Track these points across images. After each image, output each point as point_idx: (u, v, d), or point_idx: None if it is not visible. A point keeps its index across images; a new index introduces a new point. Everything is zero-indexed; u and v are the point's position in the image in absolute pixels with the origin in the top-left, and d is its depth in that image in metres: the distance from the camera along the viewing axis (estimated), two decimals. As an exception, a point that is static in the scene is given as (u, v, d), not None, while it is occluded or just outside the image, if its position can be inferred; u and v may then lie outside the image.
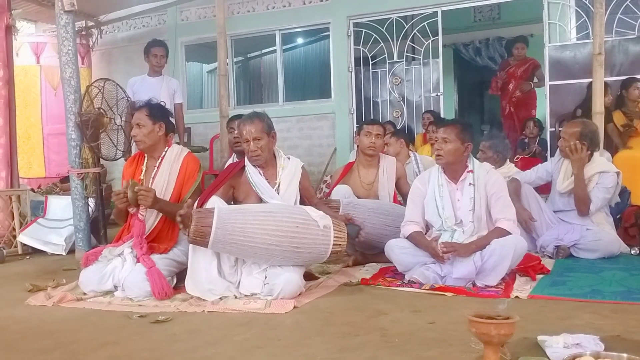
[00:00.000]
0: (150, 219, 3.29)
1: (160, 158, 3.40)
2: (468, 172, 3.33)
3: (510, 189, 3.91)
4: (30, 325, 2.68)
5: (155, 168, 3.39)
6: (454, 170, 3.35)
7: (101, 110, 4.48)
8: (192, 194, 3.34)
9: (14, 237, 4.72)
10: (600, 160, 4.03)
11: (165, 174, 3.37)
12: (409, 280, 3.19)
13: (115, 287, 3.13)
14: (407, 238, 3.34)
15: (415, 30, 7.09)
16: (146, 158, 3.45)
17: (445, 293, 2.97)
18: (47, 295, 3.14)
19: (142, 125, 3.35)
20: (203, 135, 7.56)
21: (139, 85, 5.30)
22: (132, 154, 3.93)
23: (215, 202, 3.08)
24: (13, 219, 4.76)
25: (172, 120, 3.71)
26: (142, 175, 3.38)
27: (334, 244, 3.01)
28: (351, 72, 7.27)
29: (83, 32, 7.38)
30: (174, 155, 3.43)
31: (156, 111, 3.45)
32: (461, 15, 8.33)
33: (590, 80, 5.58)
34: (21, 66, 7.00)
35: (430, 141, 5.56)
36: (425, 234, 3.37)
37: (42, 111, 7.41)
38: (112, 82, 4.61)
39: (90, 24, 7.56)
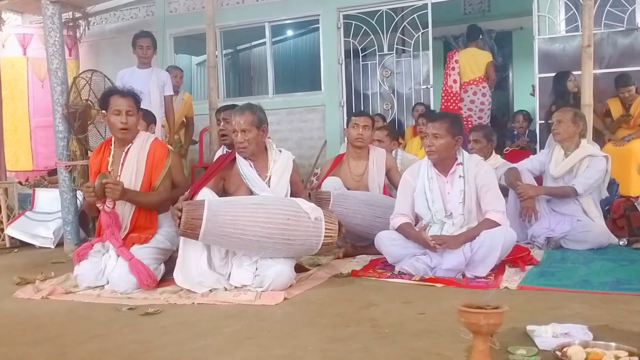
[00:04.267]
0: (126, 210, 3.26)
1: (130, 146, 3.35)
2: (458, 164, 3.34)
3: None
4: (19, 319, 2.66)
5: (123, 155, 3.32)
6: (444, 163, 3.36)
7: (89, 102, 4.44)
8: (162, 180, 3.32)
9: (2, 230, 4.69)
10: (589, 146, 4.15)
11: (134, 162, 3.31)
12: (399, 271, 3.20)
13: (109, 281, 3.11)
14: (396, 230, 3.35)
15: (405, 23, 7.08)
16: (113, 148, 3.38)
17: (435, 284, 2.98)
18: (36, 289, 3.12)
19: (132, 114, 3.32)
20: (192, 127, 7.51)
21: (128, 77, 5.22)
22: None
23: (205, 194, 3.07)
24: (0, 212, 4.72)
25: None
26: (110, 166, 3.32)
27: (325, 236, 3.01)
28: (341, 64, 7.25)
29: (70, 24, 7.27)
30: (141, 143, 3.38)
31: (138, 100, 3.43)
32: (451, 8, 8.32)
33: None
34: (7, 58, 6.92)
35: (421, 134, 5.56)
36: (415, 225, 3.38)
37: (29, 103, 7.32)
38: (99, 74, 4.58)
39: (77, 15, 7.46)
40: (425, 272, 3.13)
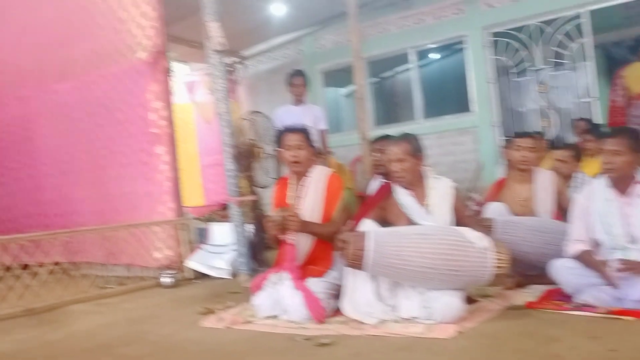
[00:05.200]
0: (306, 243, 3.41)
1: (306, 179, 3.53)
2: (636, 183, 3.06)
3: None
4: (207, 347, 2.86)
5: (302, 189, 3.51)
6: (622, 183, 3.09)
7: (253, 141, 4.75)
8: (338, 213, 3.44)
9: (182, 262, 5.13)
10: None
11: (312, 195, 3.48)
12: (580, 303, 2.97)
13: (284, 310, 3.23)
14: (574, 258, 3.12)
15: (559, 34, 6.70)
16: (292, 181, 3.58)
17: (624, 317, 2.72)
18: (219, 318, 3.34)
19: (302, 147, 3.52)
20: (343, 158, 7.69)
21: (284, 114, 5.53)
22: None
23: (368, 225, 3.12)
24: (182, 246, 5.17)
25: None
26: (289, 199, 3.51)
27: (494, 266, 2.90)
28: (491, 83, 7.03)
29: (230, 68, 7.91)
30: (318, 176, 3.55)
31: (308, 135, 3.62)
32: (610, 14, 7.73)
33: None
34: (178, 104, 7.65)
35: (586, 152, 5.17)
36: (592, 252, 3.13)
37: (198, 144, 8.03)
38: (261, 114, 4.89)
39: (235, 59, 8.11)
40: (611, 303, 2.86)
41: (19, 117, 6.55)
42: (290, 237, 3.32)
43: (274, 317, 3.24)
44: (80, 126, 5.93)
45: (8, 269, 4.15)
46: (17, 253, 4.22)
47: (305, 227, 3.33)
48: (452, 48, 8.45)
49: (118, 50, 5.56)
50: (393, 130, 5.51)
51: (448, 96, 8.80)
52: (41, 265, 4.31)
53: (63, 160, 6.13)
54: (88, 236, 4.89)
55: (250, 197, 4.73)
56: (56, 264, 4.44)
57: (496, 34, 7.00)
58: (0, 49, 6.64)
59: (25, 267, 4.27)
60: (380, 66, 9.00)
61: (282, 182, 3.71)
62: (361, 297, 3.02)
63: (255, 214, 4.83)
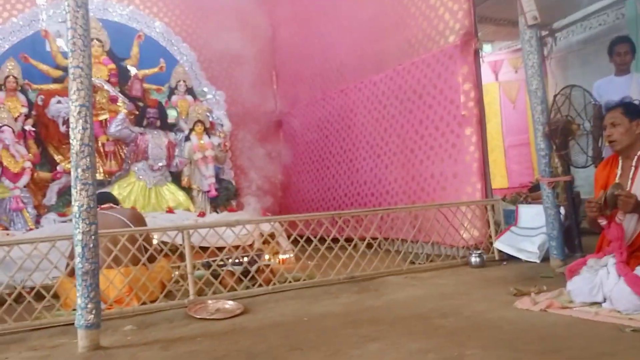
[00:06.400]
0: (631, 225, 3.08)
1: (637, 158, 3.17)
2: None
3: None
4: (522, 328, 2.81)
5: (633, 169, 3.17)
6: None
7: (569, 117, 4.43)
8: None
9: (491, 244, 5.10)
10: None
11: None
12: None
13: (605, 299, 3.02)
14: None
15: None
16: (620, 160, 3.27)
17: None
18: (533, 301, 3.25)
19: (618, 124, 3.22)
20: (678, 133, 6.60)
21: (605, 87, 5.06)
22: (603, 159, 3.75)
23: None
24: (489, 227, 5.15)
25: None
26: (618, 178, 3.21)
27: None
28: None
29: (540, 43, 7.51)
30: None
31: (632, 108, 3.28)
32: None
33: None
34: (483, 84, 7.62)
35: None
36: None
37: (502, 124, 7.87)
38: (578, 88, 4.52)
39: (544, 33, 7.65)
40: None
41: (341, 108, 7.39)
42: (619, 217, 3.04)
43: (593, 304, 3.04)
44: (391, 112, 6.40)
45: (335, 240, 4.70)
46: (342, 227, 4.74)
47: (637, 208, 3.00)
48: None
49: (429, 37, 5.78)
50: None
51: None
52: (362, 239, 4.78)
53: (377, 145, 6.70)
54: (400, 214, 5.24)
55: (564, 178, 4.42)
56: (373, 238, 4.86)
57: None
58: (328, 50, 7.58)
59: (349, 240, 4.78)
60: None
61: (608, 161, 3.41)
62: None
63: (569, 195, 4.49)
